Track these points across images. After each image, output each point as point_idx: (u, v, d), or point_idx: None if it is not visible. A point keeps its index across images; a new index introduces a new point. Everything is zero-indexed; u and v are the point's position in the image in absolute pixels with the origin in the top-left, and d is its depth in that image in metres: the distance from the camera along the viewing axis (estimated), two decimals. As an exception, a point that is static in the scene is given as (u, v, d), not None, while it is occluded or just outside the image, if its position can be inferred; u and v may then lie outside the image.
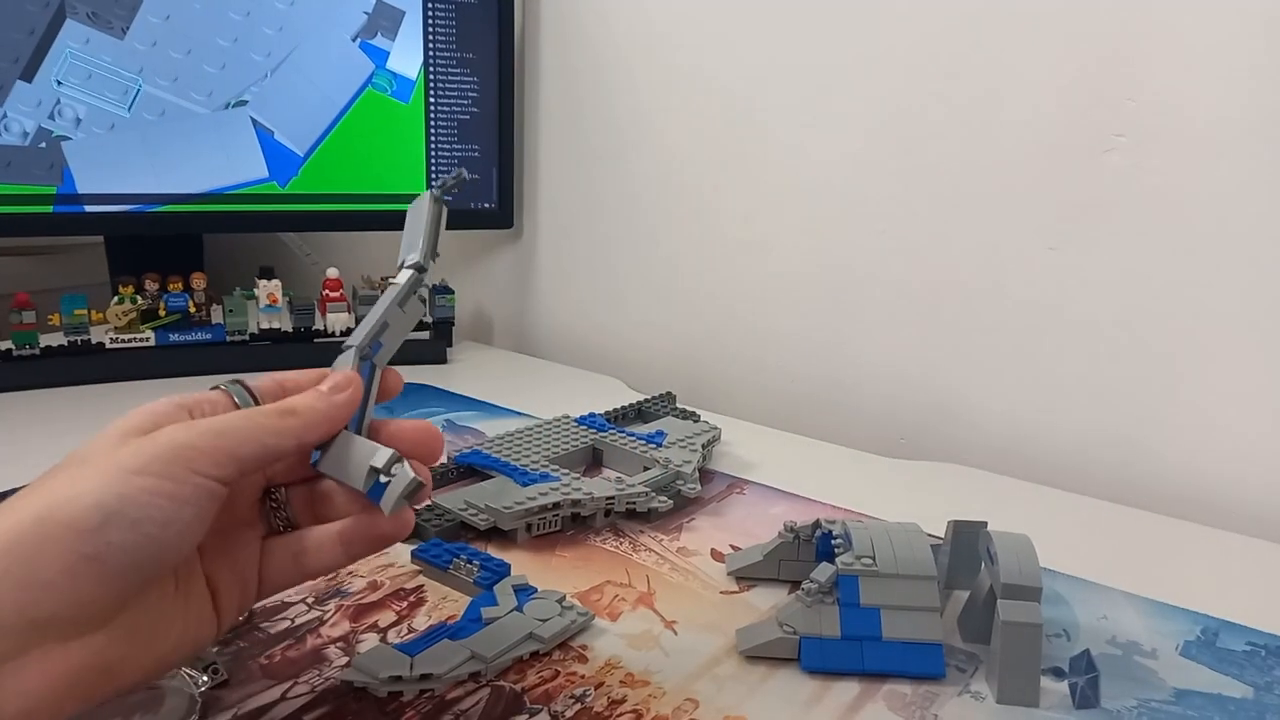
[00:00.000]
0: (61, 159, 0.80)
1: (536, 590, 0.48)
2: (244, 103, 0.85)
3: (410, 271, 0.42)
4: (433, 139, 0.91)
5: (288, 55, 0.85)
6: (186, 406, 0.35)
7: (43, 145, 0.79)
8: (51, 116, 0.79)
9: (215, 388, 0.37)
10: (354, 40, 0.87)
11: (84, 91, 0.80)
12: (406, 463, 0.36)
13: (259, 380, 0.37)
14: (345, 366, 0.38)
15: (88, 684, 0.30)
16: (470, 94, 0.92)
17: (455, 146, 0.92)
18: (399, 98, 0.89)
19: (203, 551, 0.35)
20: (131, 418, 0.33)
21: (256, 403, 0.36)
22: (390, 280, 0.43)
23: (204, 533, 0.32)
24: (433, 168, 0.92)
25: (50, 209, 0.81)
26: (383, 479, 0.36)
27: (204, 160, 0.85)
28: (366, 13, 0.86)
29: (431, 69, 0.89)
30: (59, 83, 0.78)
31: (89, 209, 0.82)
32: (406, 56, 0.89)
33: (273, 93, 0.85)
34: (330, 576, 0.49)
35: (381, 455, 0.36)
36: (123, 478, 0.30)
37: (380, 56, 0.88)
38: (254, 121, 0.85)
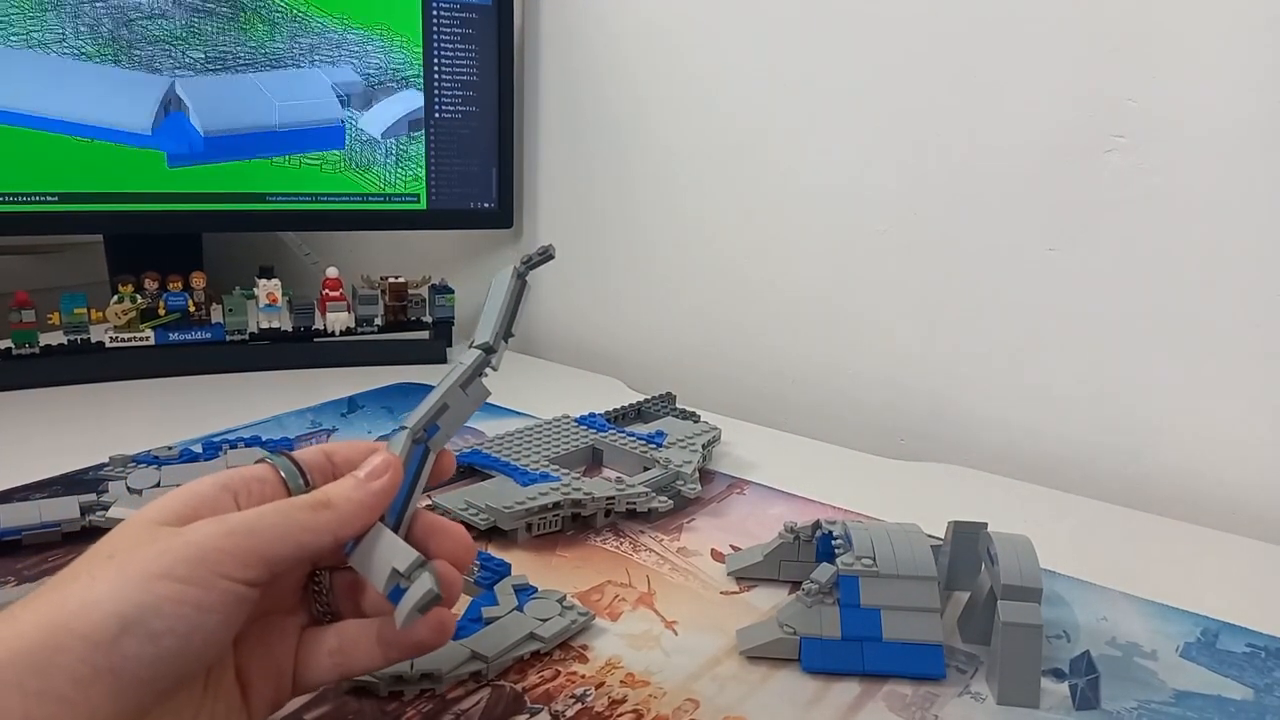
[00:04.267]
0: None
1: (537, 590, 0.48)
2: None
3: (478, 352, 0.39)
4: (433, 139, 0.91)
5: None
6: (232, 489, 0.33)
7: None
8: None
9: (261, 460, 0.35)
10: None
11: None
12: (430, 572, 0.33)
13: (306, 454, 0.36)
14: (396, 449, 0.36)
15: None
16: (471, 94, 0.92)
17: (455, 147, 0.92)
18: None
19: (237, 641, 0.33)
20: (168, 503, 0.31)
21: (305, 478, 0.35)
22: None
23: (231, 637, 0.31)
24: (433, 167, 0.92)
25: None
26: (403, 584, 0.33)
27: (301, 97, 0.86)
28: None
29: (434, 69, 0.89)
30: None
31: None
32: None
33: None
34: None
35: (404, 558, 0.33)
36: (144, 584, 0.28)
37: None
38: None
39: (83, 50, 0.79)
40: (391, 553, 0.34)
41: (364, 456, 0.36)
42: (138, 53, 0.81)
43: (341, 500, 0.33)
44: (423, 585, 0.33)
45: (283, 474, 0.34)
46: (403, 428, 0.37)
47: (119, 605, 0.27)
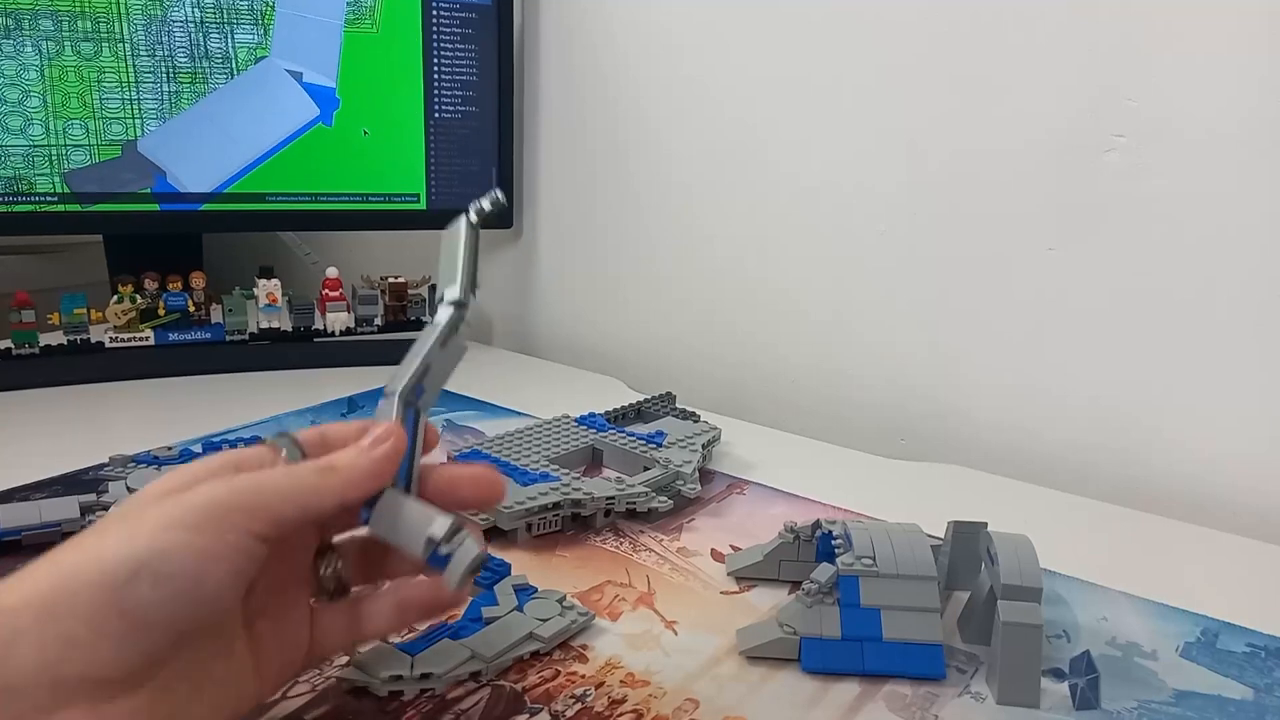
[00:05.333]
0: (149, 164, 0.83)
1: (537, 590, 0.48)
2: (264, 56, 0.84)
3: (450, 309, 0.39)
4: (433, 139, 0.91)
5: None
6: (233, 463, 0.34)
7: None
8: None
9: (263, 441, 0.36)
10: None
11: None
12: (469, 534, 0.34)
13: (304, 433, 0.36)
14: (387, 416, 0.36)
15: None
16: (471, 94, 0.92)
17: (455, 146, 0.92)
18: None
19: (249, 611, 0.33)
20: (173, 477, 0.32)
21: (301, 452, 0.35)
22: (426, 320, 0.39)
23: (241, 591, 0.31)
24: (432, 167, 0.92)
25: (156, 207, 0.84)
26: (442, 550, 0.34)
27: (262, 117, 0.85)
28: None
29: (434, 69, 0.89)
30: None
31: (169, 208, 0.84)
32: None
33: (284, 39, 0.85)
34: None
35: (440, 524, 0.34)
36: (154, 533, 0.29)
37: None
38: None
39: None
40: (424, 520, 0.34)
41: (358, 435, 0.36)
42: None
43: (346, 466, 0.34)
44: (470, 550, 0.34)
45: (284, 452, 0.35)
46: (391, 393, 0.37)
47: (131, 551, 0.28)
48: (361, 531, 0.37)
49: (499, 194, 0.42)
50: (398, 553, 0.36)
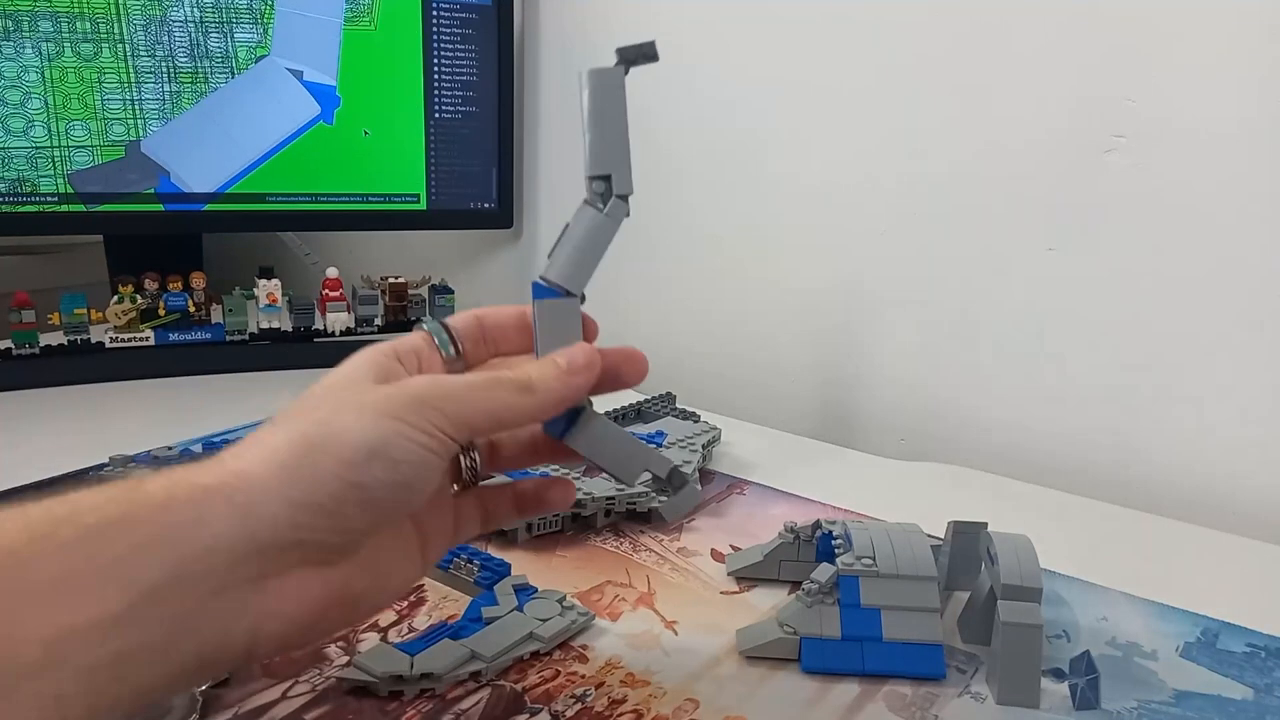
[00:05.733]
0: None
1: (537, 590, 0.48)
2: (264, 55, 0.84)
3: (624, 206, 0.36)
4: (433, 139, 0.91)
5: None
6: (398, 356, 0.35)
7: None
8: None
9: (416, 327, 0.37)
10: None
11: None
12: (693, 480, 0.38)
13: (458, 319, 0.38)
14: (569, 326, 0.37)
15: (335, 614, 0.32)
16: (470, 94, 0.92)
17: (455, 146, 0.92)
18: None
19: None
20: (362, 365, 0.34)
21: (455, 346, 0.37)
22: (596, 195, 0.36)
23: (439, 481, 0.34)
24: (432, 167, 0.92)
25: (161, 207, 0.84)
26: (660, 485, 0.38)
27: (264, 116, 0.85)
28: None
29: (434, 69, 0.89)
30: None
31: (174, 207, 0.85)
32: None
33: (284, 37, 0.85)
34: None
35: (661, 465, 0.38)
36: (380, 420, 0.31)
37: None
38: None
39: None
40: (639, 455, 0.38)
41: (515, 322, 0.39)
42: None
43: (544, 389, 0.35)
44: (694, 494, 0.39)
45: (436, 341, 0.37)
46: (569, 294, 0.37)
47: (364, 435, 0.30)
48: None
49: (652, 45, 0.36)
50: (517, 448, 0.40)
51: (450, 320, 0.38)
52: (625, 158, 0.36)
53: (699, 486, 0.37)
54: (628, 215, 0.37)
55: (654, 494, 0.58)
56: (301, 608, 0.30)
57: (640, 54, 0.36)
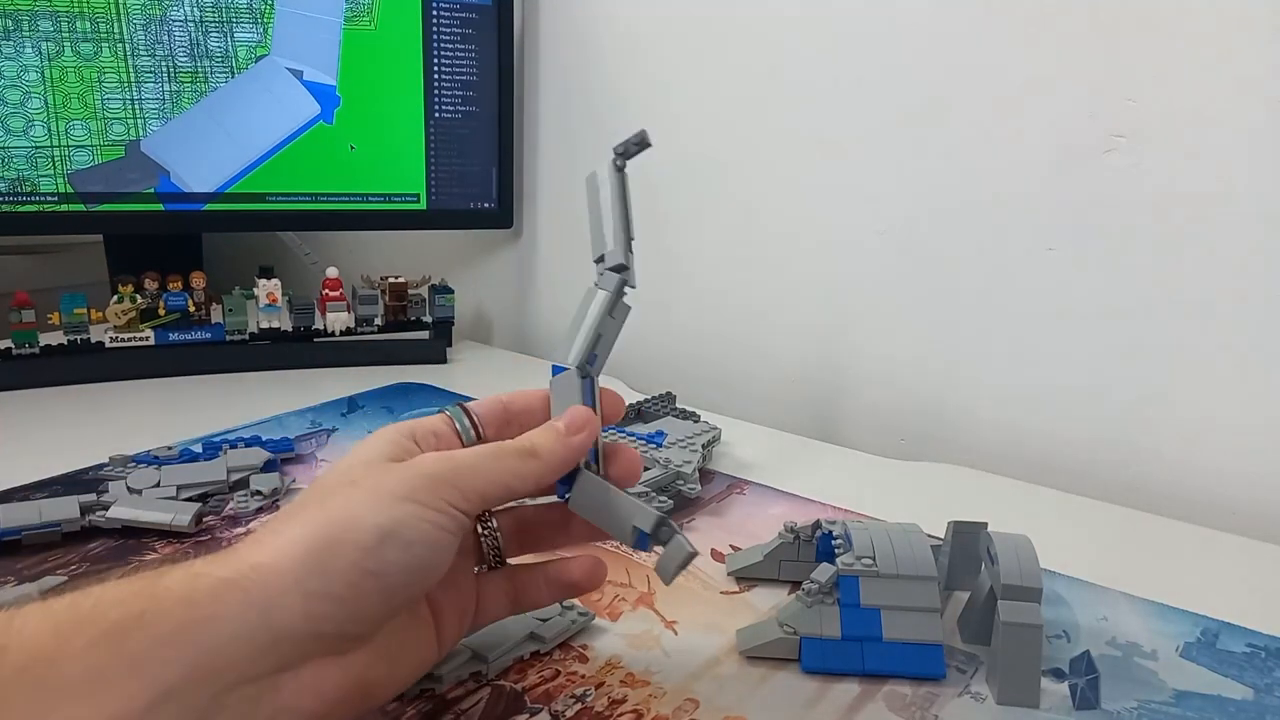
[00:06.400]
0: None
1: (537, 590, 0.47)
2: (264, 55, 0.84)
3: (616, 277, 0.38)
4: (433, 139, 0.91)
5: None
6: (415, 437, 0.36)
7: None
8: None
9: (439, 412, 0.38)
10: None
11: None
12: (679, 533, 0.38)
13: (481, 405, 0.39)
14: (570, 392, 0.38)
15: (351, 703, 0.32)
16: (471, 94, 0.92)
17: (455, 146, 0.92)
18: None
19: None
20: (379, 446, 0.35)
21: (477, 430, 0.38)
22: (597, 286, 0.39)
23: (451, 559, 0.34)
24: (432, 167, 0.92)
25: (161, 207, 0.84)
26: (649, 543, 0.37)
27: (264, 115, 0.85)
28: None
29: (433, 69, 0.89)
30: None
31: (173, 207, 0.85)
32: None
33: (284, 37, 0.85)
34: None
35: (648, 518, 0.37)
36: (394, 503, 0.32)
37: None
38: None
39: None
40: (627, 510, 0.38)
41: (540, 404, 0.39)
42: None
43: (547, 452, 0.36)
44: (681, 548, 0.37)
45: (457, 426, 0.38)
46: (567, 367, 0.38)
47: (378, 519, 0.31)
48: (533, 501, 0.40)
49: (646, 134, 0.39)
50: (543, 530, 0.41)
51: (473, 405, 0.39)
52: (615, 234, 0.39)
53: (686, 540, 0.37)
54: (629, 285, 0.39)
55: (654, 494, 0.58)
56: (318, 699, 0.30)
57: (634, 146, 0.39)
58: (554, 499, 0.40)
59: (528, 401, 0.40)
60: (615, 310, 0.39)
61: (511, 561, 0.41)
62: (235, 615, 0.28)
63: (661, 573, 0.38)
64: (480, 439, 0.38)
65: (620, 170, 0.40)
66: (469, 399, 0.80)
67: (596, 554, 0.41)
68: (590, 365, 0.39)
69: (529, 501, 0.41)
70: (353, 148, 0.89)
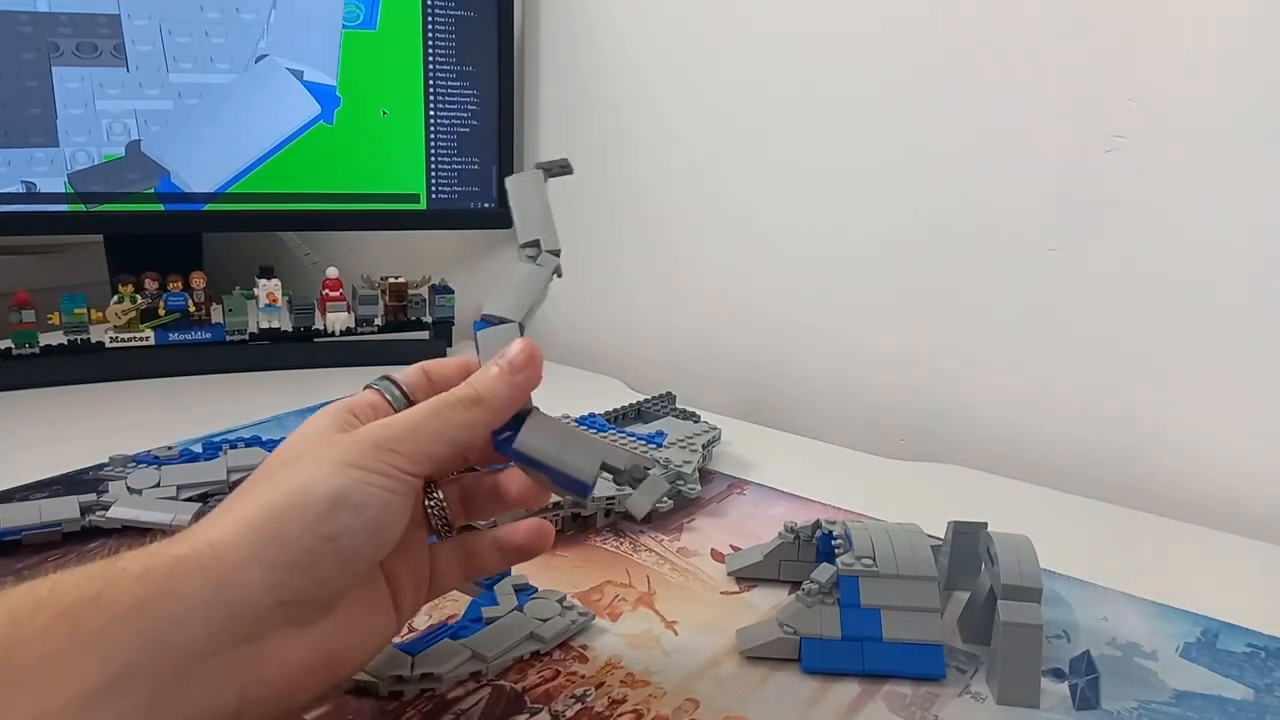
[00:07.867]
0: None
1: (537, 590, 0.48)
2: (264, 55, 0.84)
3: (555, 259, 0.41)
4: (433, 138, 0.91)
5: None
6: (353, 411, 0.36)
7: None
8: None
9: (368, 387, 0.38)
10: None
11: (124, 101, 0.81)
12: (654, 467, 0.37)
13: (407, 374, 0.39)
14: (509, 340, 0.37)
15: (317, 674, 0.32)
16: (470, 93, 0.92)
17: (455, 146, 0.92)
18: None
19: None
20: (320, 421, 0.35)
21: (408, 398, 0.38)
22: (528, 256, 0.41)
23: (405, 523, 0.34)
24: (432, 167, 0.92)
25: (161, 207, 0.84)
26: (620, 480, 0.37)
27: (265, 115, 0.85)
28: None
29: (432, 68, 0.89)
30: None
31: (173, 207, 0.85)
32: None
33: (282, 36, 0.85)
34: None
35: (619, 458, 0.37)
36: (339, 469, 0.32)
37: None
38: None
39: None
40: (593, 450, 0.37)
41: (459, 371, 0.39)
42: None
43: (490, 395, 0.35)
44: (660, 481, 0.38)
45: (388, 398, 0.38)
46: (510, 321, 0.38)
47: (328, 486, 0.31)
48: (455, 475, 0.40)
49: (567, 161, 0.44)
50: (485, 498, 0.39)
51: (398, 375, 0.39)
52: (549, 226, 0.42)
53: (659, 472, 0.37)
54: (559, 273, 0.41)
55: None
56: (285, 671, 0.30)
57: (558, 167, 0.44)
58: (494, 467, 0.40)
59: (445, 368, 0.40)
60: (545, 289, 0.41)
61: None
62: (193, 590, 0.28)
63: (634, 506, 0.38)
64: (410, 405, 0.37)
65: (545, 178, 0.43)
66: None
67: (541, 520, 0.41)
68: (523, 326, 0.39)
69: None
70: (385, 113, 0.89)
